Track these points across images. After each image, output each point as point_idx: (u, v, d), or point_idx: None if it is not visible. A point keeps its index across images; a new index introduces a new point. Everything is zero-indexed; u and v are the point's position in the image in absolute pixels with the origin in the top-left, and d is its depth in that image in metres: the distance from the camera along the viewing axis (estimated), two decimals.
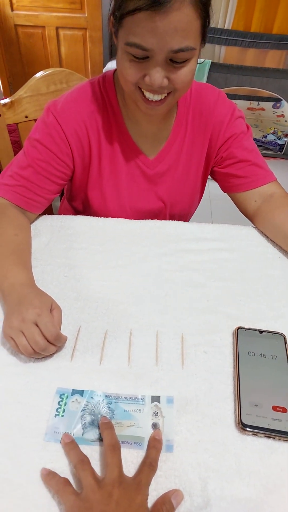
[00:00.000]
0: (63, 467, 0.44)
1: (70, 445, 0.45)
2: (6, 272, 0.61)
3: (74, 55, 2.90)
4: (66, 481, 0.42)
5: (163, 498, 0.41)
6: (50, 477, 0.42)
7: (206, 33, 0.61)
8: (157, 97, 0.64)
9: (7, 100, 0.92)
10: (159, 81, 0.60)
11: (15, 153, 1.02)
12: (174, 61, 0.59)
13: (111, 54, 2.99)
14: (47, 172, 0.75)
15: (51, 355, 0.55)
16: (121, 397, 0.50)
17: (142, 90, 0.64)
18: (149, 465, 0.43)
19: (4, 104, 0.92)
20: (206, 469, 0.44)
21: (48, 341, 0.52)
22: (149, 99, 0.64)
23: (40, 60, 2.94)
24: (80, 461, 0.43)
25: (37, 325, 0.53)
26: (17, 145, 1.10)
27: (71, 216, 0.82)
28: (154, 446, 0.45)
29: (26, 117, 0.97)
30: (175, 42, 0.56)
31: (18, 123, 0.97)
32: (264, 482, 0.43)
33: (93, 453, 0.45)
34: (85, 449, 0.45)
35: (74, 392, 0.51)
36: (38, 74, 0.96)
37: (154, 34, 0.54)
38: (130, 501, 0.39)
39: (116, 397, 0.50)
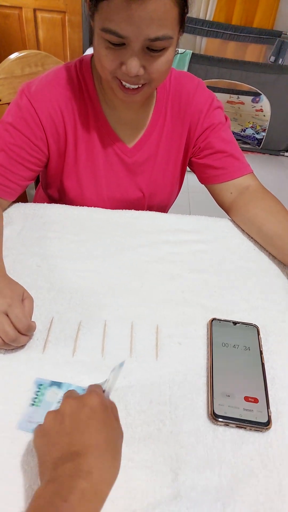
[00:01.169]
0: (31, 461, 0.43)
1: None
2: None
3: (52, 40, 2.82)
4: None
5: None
6: None
7: (185, 21, 0.60)
8: (133, 86, 0.63)
9: None
10: (135, 70, 0.59)
11: None
12: (151, 49, 0.57)
13: (91, 40, 2.92)
14: (20, 158, 0.72)
15: (22, 346, 0.53)
16: None
17: (119, 78, 0.62)
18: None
19: None
20: (177, 460, 0.44)
21: (19, 332, 0.51)
22: (126, 86, 0.63)
23: (17, 43, 2.83)
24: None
25: (7, 316, 0.51)
26: None
27: (45, 204, 0.80)
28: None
29: (0, 100, 0.93)
30: (151, 30, 0.54)
31: None
32: (235, 471, 0.44)
33: None
34: None
35: (53, 383, 0.50)
36: (13, 56, 0.92)
37: (130, 22, 0.53)
38: (82, 405, 0.39)
39: None
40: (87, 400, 0.40)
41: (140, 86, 0.63)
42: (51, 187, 0.85)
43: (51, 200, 0.89)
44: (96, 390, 0.42)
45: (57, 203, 0.82)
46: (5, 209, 0.76)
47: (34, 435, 0.41)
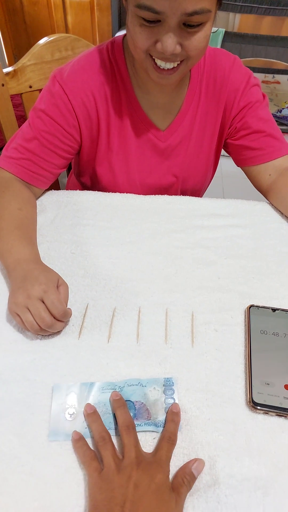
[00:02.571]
0: (69, 445, 0.43)
1: (93, 417, 0.45)
2: (10, 248, 0.59)
3: (81, 24, 2.79)
4: (93, 455, 0.42)
5: (184, 470, 0.41)
6: (79, 444, 0.43)
7: None
8: (169, 65, 0.60)
9: (10, 69, 0.88)
10: (171, 47, 0.56)
11: (19, 125, 0.98)
12: (188, 25, 0.54)
13: (120, 23, 2.87)
14: (53, 145, 0.72)
15: (58, 332, 0.54)
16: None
17: (154, 57, 0.60)
18: (168, 440, 0.43)
19: (7, 73, 0.88)
20: (215, 447, 0.44)
21: (54, 318, 0.51)
22: (161, 67, 0.60)
23: (46, 30, 2.83)
24: (101, 438, 0.42)
25: (43, 302, 0.51)
26: (22, 120, 1.06)
27: (78, 192, 0.80)
28: (172, 420, 0.45)
29: (30, 87, 0.93)
30: (189, 3, 0.51)
31: (22, 93, 0.93)
32: (275, 461, 0.43)
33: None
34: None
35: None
36: (42, 41, 0.91)
37: None
38: (150, 481, 0.38)
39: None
40: (157, 476, 0.39)
41: (175, 66, 0.61)
42: (84, 174, 0.85)
43: (84, 187, 0.89)
44: (165, 467, 0.40)
45: (89, 190, 0.82)
46: (38, 197, 0.77)
47: (91, 475, 0.40)
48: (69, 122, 0.71)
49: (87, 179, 0.86)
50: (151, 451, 0.43)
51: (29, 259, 0.58)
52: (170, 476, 0.41)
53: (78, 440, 0.43)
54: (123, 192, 0.80)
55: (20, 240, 0.61)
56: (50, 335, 0.54)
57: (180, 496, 0.38)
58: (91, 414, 0.45)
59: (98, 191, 0.81)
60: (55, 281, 0.55)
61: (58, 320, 0.52)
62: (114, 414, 0.46)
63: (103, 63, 0.71)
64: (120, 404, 0.46)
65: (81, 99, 0.70)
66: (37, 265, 0.57)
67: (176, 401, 0.47)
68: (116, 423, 0.45)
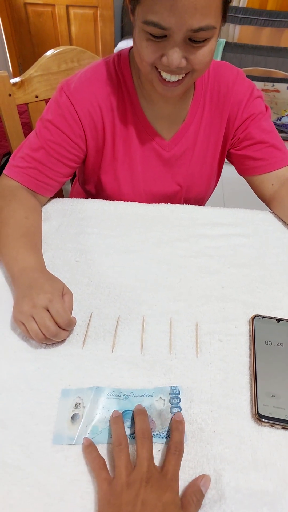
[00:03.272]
0: (74, 456, 0.43)
1: (116, 420, 0.45)
2: (16, 255, 0.60)
3: (84, 35, 2.83)
4: (102, 464, 0.41)
5: (192, 487, 0.40)
6: (89, 450, 0.43)
7: (227, 10, 0.57)
8: (174, 78, 0.61)
9: (17, 79, 0.89)
10: (176, 61, 0.57)
11: (26, 135, 0.99)
12: (193, 40, 0.55)
13: (123, 33, 2.90)
14: (59, 155, 0.72)
15: (62, 341, 0.54)
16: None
17: (159, 70, 0.61)
18: (174, 451, 0.42)
19: (14, 84, 0.89)
20: (221, 460, 0.43)
21: (59, 326, 0.51)
22: (166, 79, 0.62)
23: (50, 40, 2.88)
24: (118, 443, 0.43)
25: (48, 311, 0.51)
26: (27, 127, 1.07)
27: (83, 200, 0.80)
28: (177, 429, 0.44)
29: (37, 97, 0.94)
30: (195, 20, 0.52)
31: (28, 103, 0.94)
32: (282, 475, 0.42)
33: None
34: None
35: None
36: (49, 53, 0.93)
37: (173, 12, 0.51)
38: (157, 500, 0.38)
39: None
40: (164, 495, 0.38)
41: (180, 78, 0.62)
42: (89, 182, 0.85)
43: (88, 195, 0.90)
44: (173, 484, 0.40)
45: (94, 198, 0.83)
46: (43, 205, 0.77)
47: (101, 486, 0.40)
48: (75, 132, 0.72)
49: (92, 187, 0.86)
50: (157, 463, 0.43)
51: (34, 267, 0.58)
52: (180, 490, 0.40)
53: (88, 446, 0.43)
54: (128, 200, 0.80)
55: (26, 248, 0.61)
56: (54, 343, 0.53)
57: None
58: (116, 418, 0.45)
59: (102, 199, 0.82)
60: (60, 290, 0.55)
61: (63, 329, 0.52)
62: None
63: (109, 75, 0.72)
64: (140, 412, 0.46)
65: (88, 109, 0.71)
66: (42, 274, 0.57)
67: (182, 410, 0.47)
68: None
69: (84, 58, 0.96)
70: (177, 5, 0.51)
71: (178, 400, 0.47)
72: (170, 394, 0.48)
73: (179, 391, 0.48)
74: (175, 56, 0.56)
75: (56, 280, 0.57)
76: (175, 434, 0.44)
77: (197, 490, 0.40)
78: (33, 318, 0.51)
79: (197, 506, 0.39)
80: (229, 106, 0.77)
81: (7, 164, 0.74)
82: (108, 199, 0.81)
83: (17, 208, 0.67)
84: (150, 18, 0.53)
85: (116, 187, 0.81)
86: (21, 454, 0.43)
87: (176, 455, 0.42)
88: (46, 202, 0.78)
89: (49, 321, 0.50)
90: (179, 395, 0.48)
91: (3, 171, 0.73)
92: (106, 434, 0.45)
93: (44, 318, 0.50)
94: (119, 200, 0.80)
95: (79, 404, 0.47)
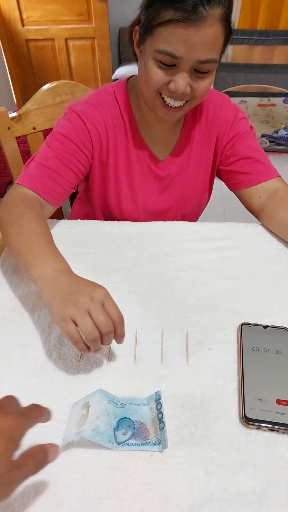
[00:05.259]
0: (72, 464, 0.45)
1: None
2: (48, 258, 0.59)
3: (83, 64, 2.96)
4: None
5: (37, 449, 0.37)
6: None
7: (225, 48, 0.66)
8: (177, 103, 0.69)
9: (15, 114, 0.96)
10: (183, 87, 0.64)
11: (25, 162, 1.05)
12: (198, 71, 0.63)
13: (120, 61, 3.03)
14: (70, 163, 0.77)
15: (66, 359, 0.57)
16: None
17: (163, 96, 0.68)
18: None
19: (13, 118, 0.96)
20: (210, 463, 0.45)
21: (117, 319, 0.51)
22: (169, 105, 0.69)
23: (51, 71, 3.02)
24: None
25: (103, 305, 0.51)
26: (27, 157, 1.13)
27: (79, 221, 0.85)
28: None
29: (34, 128, 1.00)
30: (203, 53, 0.61)
31: (26, 134, 1.00)
32: (268, 475, 0.44)
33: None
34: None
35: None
36: (44, 87, 1.00)
37: (186, 44, 0.59)
38: None
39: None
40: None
41: (182, 105, 0.69)
42: (94, 197, 0.90)
43: (91, 208, 0.94)
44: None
45: (96, 212, 0.90)
46: (48, 217, 0.79)
47: None
48: (85, 144, 0.78)
49: (97, 203, 0.90)
50: (150, 470, 0.45)
51: (70, 270, 0.59)
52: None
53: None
54: (127, 215, 0.87)
55: (57, 254, 0.61)
56: (92, 352, 0.53)
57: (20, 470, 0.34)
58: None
59: (104, 215, 0.88)
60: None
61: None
62: (115, 428, 0.48)
63: (110, 101, 0.79)
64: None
65: (95, 127, 0.77)
66: (78, 276, 0.58)
67: (164, 414, 0.48)
68: (117, 437, 0.47)
69: (77, 90, 1.03)
70: (191, 38, 0.59)
71: (160, 406, 0.49)
72: (155, 400, 0.50)
73: (160, 396, 0.50)
74: (182, 83, 0.64)
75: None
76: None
77: (41, 451, 0.37)
78: (89, 313, 0.50)
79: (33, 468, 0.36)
80: (217, 127, 0.84)
81: (20, 175, 0.76)
82: (110, 215, 0.87)
83: (37, 216, 0.68)
84: (164, 47, 0.61)
85: (117, 203, 0.87)
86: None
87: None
88: (51, 213, 0.80)
89: (105, 317, 0.50)
90: (160, 400, 0.50)
91: (16, 181, 0.76)
92: (106, 436, 0.47)
93: (100, 313, 0.50)
94: (120, 215, 0.87)
95: (86, 405, 0.49)
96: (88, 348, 0.51)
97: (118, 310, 0.52)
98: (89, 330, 0.49)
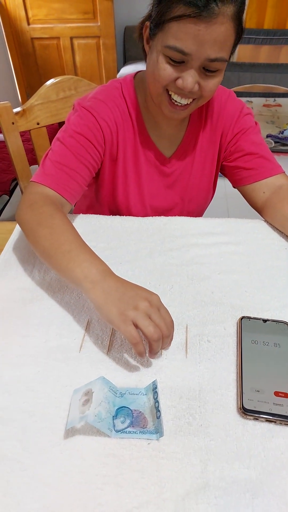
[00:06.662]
0: (69, 450, 0.46)
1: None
2: (91, 259, 0.59)
3: (88, 63, 2.97)
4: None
5: None
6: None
7: (236, 48, 0.65)
8: (184, 101, 0.68)
9: (19, 109, 0.96)
10: (191, 84, 0.64)
11: (29, 160, 1.06)
12: (207, 69, 0.63)
13: (125, 59, 3.04)
14: (85, 160, 0.76)
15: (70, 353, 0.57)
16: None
17: (170, 93, 0.68)
18: None
19: (17, 113, 0.96)
20: (207, 452, 0.45)
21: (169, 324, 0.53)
22: (175, 102, 0.68)
23: (56, 69, 3.03)
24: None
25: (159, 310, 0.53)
26: (31, 154, 1.14)
27: (80, 215, 0.85)
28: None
29: (38, 123, 1.01)
30: (213, 51, 0.60)
31: (30, 130, 1.01)
32: (264, 464, 0.44)
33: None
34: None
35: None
36: (48, 83, 1.00)
37: (196, 40, 0.59)
38: None
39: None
40: None
41: (188, 103, 0.69)
42: (103, 196, 0.90)
43: (98, 204, 0.93)
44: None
45: (101, 210, 0.90)
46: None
47: None
48: (98, 140, 0.77)
49: (106, 200, 0.91)
50: (146, 457, 0.45)
51: (112, 272, 0.58)
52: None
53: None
54: (135, 211, 0.88)
55: (96, 255, 0.61)
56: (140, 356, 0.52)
57: None
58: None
59: (110, 208, 0.89)
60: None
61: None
62: (114, 417, 0.48)
63: (118, 98, 0.79)
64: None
65: (106, 122, 0.77)
66: (127, 282, 0.57)
67: (160, 403, 0.49)
68: (115, 425, 0.48)
69: (81, 86, 1.04)
70: (201, 35, 0.58)
71: (157, 395, 0.50)
72: (152, 390, 0.51)
73: (156, 385, 0.51)
74: (190, 80, 0.63)
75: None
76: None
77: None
78: (150, 317, 0.51)
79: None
80: (222, 123, 0.84)
81: (37, 173, 0.75)
82: (117, 212, 0.88)
83: (65, 217, 0.67)
84: (174, 43, 0.60)
85: (125, 200, 0.87)
86: (20, 448, 0.46)
87: None
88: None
89: (163, 320, 0.52)
90: (156, 389, 0.50)
91: (33, 179, 0.74)
92: (106, 423, 0.47)
93: (160, 317, 0.51)
94: (127, 213, 0.87)
95: (89, 391, 0.49)
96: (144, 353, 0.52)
97: (170, 316, 0.54)
98: (152, 331, 0.50)
